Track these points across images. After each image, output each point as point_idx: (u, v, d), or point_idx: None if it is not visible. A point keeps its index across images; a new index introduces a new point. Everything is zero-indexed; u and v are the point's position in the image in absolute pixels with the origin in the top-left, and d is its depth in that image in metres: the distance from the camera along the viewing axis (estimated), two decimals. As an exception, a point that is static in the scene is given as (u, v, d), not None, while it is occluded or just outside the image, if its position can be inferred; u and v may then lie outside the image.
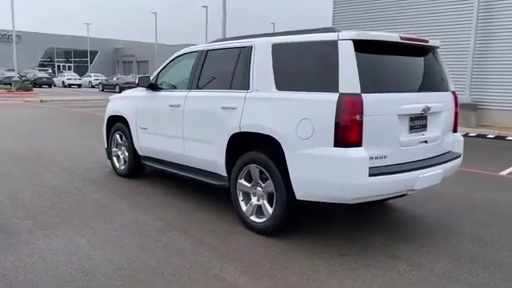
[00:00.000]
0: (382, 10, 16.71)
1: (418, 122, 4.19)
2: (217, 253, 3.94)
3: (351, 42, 3.78)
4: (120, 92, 32.81)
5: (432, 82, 4.55)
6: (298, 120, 3.93)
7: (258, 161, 4.31)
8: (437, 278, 3.56)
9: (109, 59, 72.85)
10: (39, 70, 49.36)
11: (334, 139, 3.71)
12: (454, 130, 4.82)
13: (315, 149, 3.82)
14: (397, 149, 3.97)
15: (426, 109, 4.16)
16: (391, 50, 4.13)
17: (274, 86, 4.27)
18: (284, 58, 4.30)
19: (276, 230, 4.28)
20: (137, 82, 6.06)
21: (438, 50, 4.70)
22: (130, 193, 5.81)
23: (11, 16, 32.75)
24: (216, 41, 5.38)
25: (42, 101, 23.48)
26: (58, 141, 10.07)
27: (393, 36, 4.06)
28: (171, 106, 5.48)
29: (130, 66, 71.38)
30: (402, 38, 4.07)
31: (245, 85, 4.57)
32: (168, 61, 5.98)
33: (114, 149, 6.84)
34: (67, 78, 46.73)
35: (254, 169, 4.38)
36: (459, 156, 4.72)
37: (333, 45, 3.85)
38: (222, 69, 4.97)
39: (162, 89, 5.89)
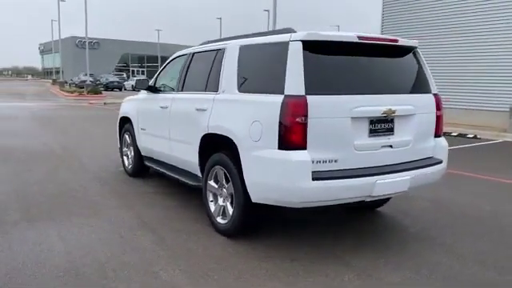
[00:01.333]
0: (431, 10, 15.92)
1: (381, 126, 3.98)
2: (169, 251, 4.01)
3: (300, 43, 3.70)
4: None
5: (405, 83, 4.31)
6: (250, 122, 3.92)
7: (222, 162, 4.33)
8: (378, 289, 3.40)
9: (180, 64, 75.62)
10: (114, 75, 52.49)
11: (278, 142, 3.65)
12: (437, 135, 4.51)
13: (263, 151, 3.78)
14: (351, 153, 3.81)
15: (389, 112, 3.94)
16: (349, 50, 3.97)
17: (236, 88, 4.29)
18: (246, 59, 4.30)
19: (235, 231, 4.27)
20: (134, 84, 6.32)
21: (417, 50, 4.44)
22: (128, 191, 6.06)
23: (85, 24, 35.27)
24: (203, 43, 5.48)
25: (105, 103, 24.99)
26: (94, 140, 10.71)
27: (349, 36, 3.90)
28: (161, 107, 5.66)
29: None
30: (360, 38, 3.90)
31: (215, 87, 4.62)
32: (166, 63, 6.18)
33: (124, 148, 7.17)
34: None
35: (219, 170, 4.41)
36: (440, 162, 4.41)
37: (284, 46, 3.79)
38: (201, 71, 5.05)
39: (160, 91, 6.09)
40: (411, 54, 4.40)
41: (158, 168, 5.94)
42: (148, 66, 75.30)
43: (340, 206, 5.23)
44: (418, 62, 4.42)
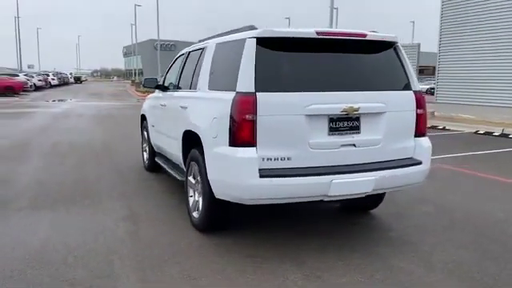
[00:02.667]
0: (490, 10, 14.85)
1: (343, 124, 3.85)
2: (136, 243, 4.19)
3: (254, 40, 3.70)
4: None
5: (376, 80, 4.11)
6: (211, 119, 3.98)
7: (195, 158, 4.43)
8: (317, 291, 3.32)
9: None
10: None
11: (228, 138, 3.68)
12: (419, 135, 4.25)
13: (219, 148, 3.82)
14: (305, 151, 3.72)
15: (350, 109, 3.80)
16: (308, 46, 3.87)
17: (207, 86, 4.36)
18: (216, 57, 4.37)
19: (203, 226, 4.35)
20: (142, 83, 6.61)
21: (397, 45, 4.21)
22: (136, 186, 6.35)
23: (156, 27, 37.10)
24: (199, 41, 5.61)
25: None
26: (137, 138, 11.28)
27: (307, 32, 3.80)
28: (161, 105, 5.89)
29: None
30: (319, 34, 3.79)
31: (195, 85, 4.73)
32: (172, 62, 6.40)
33: (144, 144, 7.52)
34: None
35: (194, 166, 4.52)
36: (418, 163, 4.16)
37: (241, 43, 3.81)
38: (190, 70, 5.19)
39: (167, 89, 6.31)
40: (390, 50, 4.19)
41: (161, 163, 6.17)
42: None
43: (329, 205, 5.15)
44: (398, 58, 4.20)
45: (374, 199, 4.92)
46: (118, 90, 45.86)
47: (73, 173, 7.08)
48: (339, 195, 3.81)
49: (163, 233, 4.44)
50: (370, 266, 3.72)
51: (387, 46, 4.18)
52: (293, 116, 3.67)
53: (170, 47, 65.23)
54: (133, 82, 59.63)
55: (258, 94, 3.59)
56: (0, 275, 3.46)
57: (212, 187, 4.00)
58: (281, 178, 3.60)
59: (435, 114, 16.76)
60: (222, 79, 4.11)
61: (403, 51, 4.23)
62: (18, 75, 37.79)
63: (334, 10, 51.63)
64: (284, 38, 3.77)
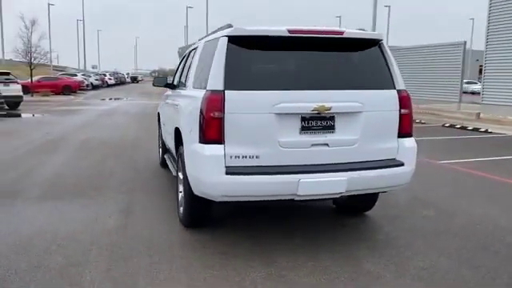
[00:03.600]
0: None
1: (316, 123, 3.79)
2: (119, 235, 4.33)
3: (226, 39, 3.74)
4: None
5: (353, 79, 4.00)
6: (188, 116, 4.06)
7: (180, 155, 4.54)
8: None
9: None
10: None
11: (199, 136, 3.74)
12: (403, 135, 4.10)
13: (193, 145, 3.90)
14: (274, 150, 3.70)
15: (322, 108, 3.73)
16: (280, 44, 3.85)
17: (192, 84, 4.45)
18: (201, 56, 4.44)
19: (185, 222, 4.44)
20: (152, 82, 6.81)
21: (382, 43, 4.09)
22: (144, 182, 6.55)
23: (206, 29, 37.75)
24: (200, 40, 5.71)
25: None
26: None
27: (278, 30, 3.78)
28: (166, 103, 6.07)
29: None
30: (290, 32, 3.76)
31: (186, 83, 4.84)
32: (180, 60, 6.55)
33: (159, 141, 7.75)
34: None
35: (180, 162, 4.62)
36: (400, 165, 4.01)
37: (216, 42, 3.87)
38: (186, 68, 5.30)
39: (176, 87, 6.47)
40: (373, 48, 4.08)
41: (166, 159, 6.34)
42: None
43: (325, 205, 5.09)
44: (382, 57, 4.08)
45: (365, 200, 4.79)
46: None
47: (91, 167, 7.43)
48: (309, 195, 3.75)
49: (149, 227, 4.57)
50: (339, 268, 3.65)
51: (370, 43, 4.07)
52: (261, 114, 3.67)
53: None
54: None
55: (227, 92, 3.62)
56: (-16, 258, 3.74)
57: (190, 183, 4.08)
58: (247, 176, 3.62)
59: (481, 116, 15.94)
60: (201, 77, 4.18)
61: (388, 50, 4.10)
62: (76, 75, 39.97)
63: (386, 8, 50.31)
64: (256, 36, 3.78)
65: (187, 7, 48.06)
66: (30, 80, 28.77)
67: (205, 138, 3.67)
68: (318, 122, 3.79)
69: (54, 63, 56.26)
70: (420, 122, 15.63)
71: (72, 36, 79.61)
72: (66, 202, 5.38)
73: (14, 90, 19.46)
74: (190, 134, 3.94)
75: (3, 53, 31.74)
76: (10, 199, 5.45)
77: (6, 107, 18.92)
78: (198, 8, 46.43)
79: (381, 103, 3.98)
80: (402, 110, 4.05)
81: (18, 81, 20.98)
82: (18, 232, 4.37)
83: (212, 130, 3.64)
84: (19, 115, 17.84)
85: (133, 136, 11.31)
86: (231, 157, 3.65)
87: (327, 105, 3.73)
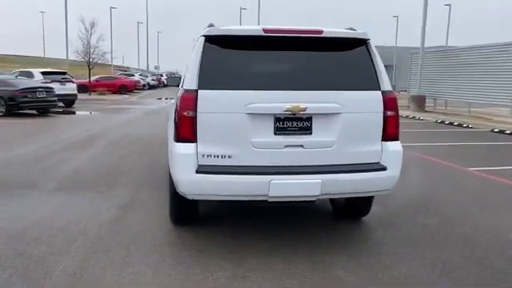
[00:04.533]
0: None
1: (292, 124, 3.72)
2: (109, 228, 4.49)
3: (203, 39, 3.77)
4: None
5: (334, 79, 3.88)
6: (171, 115, 4.14)
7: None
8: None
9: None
10: None
11: (174, 134, 3.81)
12: (388, 138, 3.93)
13: (171, 143, 3.98)
14: (247, 150, 3.68)
15: (296, 109, 3.65)
16: (256, 44, 3.82)
17: (182, 84, 4.52)
18: (190, 56, 4.50)
19: (173, 220, 4.52)
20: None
21: (368, 43, 3.95)
22: (153, 179, 6.68)
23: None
24: None
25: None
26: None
27: (253, 30, 3.76)
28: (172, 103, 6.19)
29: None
30: (266, 31, 3.71)
31: (181, 83, 4.92)
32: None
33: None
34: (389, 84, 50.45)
35: None
36: (382, 169, 3.85)
37: (196, 41, 3.91)
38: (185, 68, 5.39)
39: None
40: (358, 48, 3.95)
41: None
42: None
43: (322, 209, 5.00)
44: (368, 57, 3.93)
45: (359, 205, 4.64)
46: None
47: (113, 163, 7.74)
48: (281, 196, 3.69)
49: (141, 223, 4.69)
50: (309, 273, 3.57)
51: (355, 43, 3.94)
52: (234, 114, 3.66)
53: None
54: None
55: (200, 92, 3.65)
56: (-22, 244, 4.02)
57: (171, 181, 4.16)
58: (217, 175, 3.63)
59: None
60: (185, 76, 4.25)
61: (374, 49, 3.94)
62: (133, 75, 41.65)
63: (447, 7, 48.11)
64: (231, 36, 3.78)
65: (241, 8, 48.60)
66: (88, 79, 30.39)
67: (178, 137, 3.73)
68: (294, 123, 3.73)
69: (119, 63, 59.02)
70: (467, 127, 14.86)
71: (140, 37, 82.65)
72: (74, 196, 5.64)
73: (69, 88, 20.64)
74: (170, 133, 4.01)
75: (67, 53, 33.50)
76: (27, 190, 5.81)
77: (62, 105, 20.15)
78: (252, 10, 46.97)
79: (362, 104, 3.84)
80: (387, 112, 3.88)
81: (74, 80, 22.23)
82: (20, 220, 4.64)
83: (185, 128, 3.68)
84: (73, 112, 18.94)
85: (161, 134, 11.61)
86: (203, 156, 3.68)
87: (302, 105, 3.66)
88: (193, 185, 3.68)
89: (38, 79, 19.31)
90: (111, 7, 46.72)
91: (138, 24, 68.61)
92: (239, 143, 3.68)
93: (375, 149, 3.90)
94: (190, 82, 3.71)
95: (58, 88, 19.34)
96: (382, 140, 3.91)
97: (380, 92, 3.88)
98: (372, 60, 3.92)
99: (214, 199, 3.84)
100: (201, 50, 3.74)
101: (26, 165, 7.45)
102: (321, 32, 3.81)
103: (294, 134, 3.74)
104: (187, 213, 4.46)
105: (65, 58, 34.36)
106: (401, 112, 16.42)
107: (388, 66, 66.81)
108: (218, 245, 4.09)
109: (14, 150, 8.87)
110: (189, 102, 3.65)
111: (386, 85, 3.91)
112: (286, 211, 5.06)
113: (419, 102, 20.82)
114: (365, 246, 4.24)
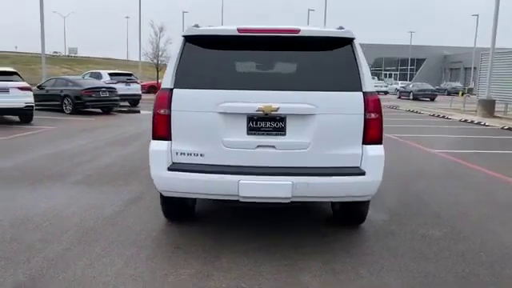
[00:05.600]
0: None
1: (265, 124, 3.67)
2: (106, 221, 4.69)
3: (182, 39, 3.84)
4: (414, 99, 31.79)
5: (311, 79, 3.78)
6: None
7: None
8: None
9: (437, 66, 71.51)
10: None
11: (152, 132, 3.91)
12: (369, 142, 3.74)
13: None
14: (219, 149, 3.69)
15: (267, 109, 3.59)
16: (232, 44, 3.81)
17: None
18: None
19: (165, 214, 4.63)
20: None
21: (353, 43, 3.79)
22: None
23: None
24: None
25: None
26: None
27: (228, 29, 3.75)
28: None
29: (458, 73, 67.96)
30: (240, 31, 3.69)
31: None
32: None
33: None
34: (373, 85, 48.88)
35: None
36: (360, 174, 3.67)
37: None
38: None
39: None
40: (341, 47, 3.80)
41: None
42: (401, 69, 73.68)
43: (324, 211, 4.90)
44: (352, 56, 3.77)
45: (349, 210, 4.47)
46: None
47: (140, 159, 8.00)
48: (252, 197, 3.65)
49: (138, 217, 4.86)
50: (272, 276, 3.49)
51: (337, 42, 3.80)
52: (206, 113, 3.69)
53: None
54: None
55: (175, 91, 3.73)
56: (-16, 227, 4.41)
57: None
58: (188, 173, 3.68)
59: None
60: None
61: (358, 49, 3.78)
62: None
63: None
64: (208, 36, 3.81)
65: (309, 10, 48.30)
66: (156, 81, 31.85)
67: (155, 134, 3.83)
68: (268, 124, 3.68)
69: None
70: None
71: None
72: (91, 189, 5.97)
73: (134, 89, 21.76)
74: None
75: (140, 56, 35.50)
76: (53, 182, 6.26)
77: (128, 104, 21.33)
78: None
79: (340, 106, 3.70)
80: (369, 115, 3.71)
81: (138, 81, 23.39)
82: (32, 208, 5.02)
83: (160, 126, 3.78)
84: (137, 111, 19.95)
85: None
86: (177, 153, 3.75)
87: (274, 105, 3.60)
88: (165, 182, 3.76)
89: (105, 80, 20.57)
90: (183, 11, 48.54)
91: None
92: (211, 142, 3.71)
93: (355, 152, 3.73)
94: (166, 81, 3.80)
95: (124, 88, 20.49)
96: (363, 143, 3.74)
97: (361, 93, 3.71)
98: (356, 60, 3.76)
99: (187, 197, 3.89)
100: (179, 49, 3.81)
101: (65, 158, 8.02)
102: (297, 31, 3.72)
103: (267, 134, 3.69)
104: (177, 209, 4.54)
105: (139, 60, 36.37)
106: (465, 116, 15.69)
107: (467, 69, 63.40)
108: (198, 243, 4.11)
109: (64, 144, 9.59)
110: (163, 101, 3.74)
111: (368, 86, 3.73)
112: (280, 213, 4.99)
113: (488, 107, 19.41)
114: (347, 253, 4.05)
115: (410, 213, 5.19)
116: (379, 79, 60.17)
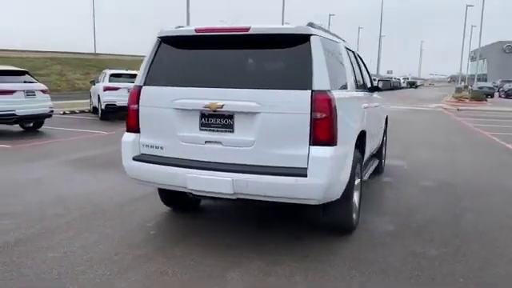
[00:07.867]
0: None
1: (215, 121, 3.74)
2: (108, 210, 4.96)
3: (156, 39, 4.09)
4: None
5: (256, 77, 3.84)
6: None
7: None
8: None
9: None
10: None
11: (126, 124, 4.24)
12: (316, 143, 3.48)
13: None
14: (175, 143, 3.88)
15: (213, 106, 3.64)
16: (192, 44, 4.03)
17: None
18: None
19: (166, 204, 4.91)
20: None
21: (311, 39, 3.61)
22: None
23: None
24: None
25: (458, 109, 23.90)
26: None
27: (187, 30, 4.00)
28: None
29: None
30: (197, 31, 3.88)
31: None
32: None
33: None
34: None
35: None
36: (302, 175, 3.44)
37: None
38: None
39: None
40: (298, 45, 3.66)
41: None
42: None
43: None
44: (308, 53, 3.59)
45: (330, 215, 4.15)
46: (433, 95, 42.07)
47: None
48: (198, 190, 3.75)
49: (145, 207, 5.08)
50: (240, 277, 3.44)
51: (292, 39, 3.68)
52: (164, 109, 3.92)
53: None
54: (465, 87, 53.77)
55: (144, 88, 4.03)
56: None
57: None
58: (147, 164, 3.95)
59: None
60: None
61: (317, 46, 3.58)
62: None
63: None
64: (173, 36, 4.04)
65: (467, 6, 43.72)
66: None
67: (128, 127, 4.18)
68: (218, 120, 3.73)
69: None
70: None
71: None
72: (117, 174, 6.04)
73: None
74: None
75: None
76: (104, 168, 7.02)
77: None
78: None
79: (284, 104, 3.52)
80: (316, 114, 3.44)
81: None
82: (51, 189, 5.80)
83: (131, 120, 4.12)
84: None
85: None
86: (144, 145, 4.05)
87: (219, 103, 3.63)
88: (131, 170, 4.09)
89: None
90: (330, 14, 48.59)
91: (359, 29, 69.29)
92: (169, 136, 3.92)
93: (301, 153, 3.49)
94: (139, 78, 4.10)
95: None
96: (311, 144, 3.48)
97: (309, 92, 3.46)
98: (312, 57, 3.55)
99: (148, 185, 4.25)
100: (151, 49, 4.09)
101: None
102: (247, 29, 3.69)
103: (216, 130, 3.75)
104: (172, 198, 4.74)
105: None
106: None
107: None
108: (183, 241, 4.13)
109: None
110: (134, 97, 4.07)
111: (320, 84, 3.49)
112: (284, 215, 4.82)
113: None
114: (335, 253, 3.88)
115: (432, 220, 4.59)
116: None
